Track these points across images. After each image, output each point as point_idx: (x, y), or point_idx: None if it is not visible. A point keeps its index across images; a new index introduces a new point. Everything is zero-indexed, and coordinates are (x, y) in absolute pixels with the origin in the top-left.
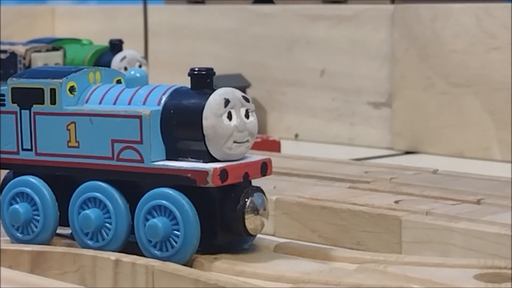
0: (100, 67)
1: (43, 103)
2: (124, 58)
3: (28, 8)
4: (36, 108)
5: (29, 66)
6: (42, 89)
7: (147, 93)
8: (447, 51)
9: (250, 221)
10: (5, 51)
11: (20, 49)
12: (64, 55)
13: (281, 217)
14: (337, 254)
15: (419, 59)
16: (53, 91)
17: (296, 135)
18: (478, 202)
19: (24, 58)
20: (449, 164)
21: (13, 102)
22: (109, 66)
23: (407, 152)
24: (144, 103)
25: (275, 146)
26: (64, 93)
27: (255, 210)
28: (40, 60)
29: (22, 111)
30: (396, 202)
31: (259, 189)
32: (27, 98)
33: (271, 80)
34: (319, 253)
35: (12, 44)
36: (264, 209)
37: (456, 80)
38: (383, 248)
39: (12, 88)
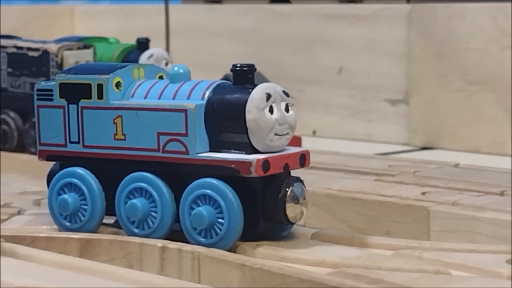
0: (143, 64)
1: (90, 98)
2: (151, 56)
3: (48, 8)
4: (83, 102)
5: (61, 63)
6: (89, 85)
7: (191, 88)
8: (463, 50)
9: (291, 210)
10: (37, 49)
11: (52, 47)
12: (94, 53)
13: (311, 208)
14: (372, 241)
15: (436, 57)
16: (100, 86)
17: (314, 132)
18: (501, 193)
19: (57, 56)
20: (465, 159)
21: (61, 97)
22: None
23: (424, 148)
24: (188, 98)
25: (296, 142)
26: (111, 88)
27: (296, 199)
28: (71, 58)
29: (70, 105)
30: (423, 193)
31: (298, 179)
32: (75, 93)
33: (289, 78)
34: (355, 241)
35: (44, 42)
36: (304, 198)
37: (472, 77)
38: (412, 238)
39: (60, 84)
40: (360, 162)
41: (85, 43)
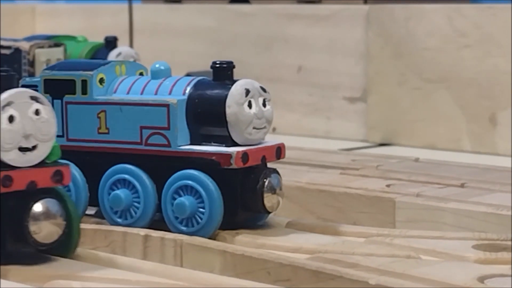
0: (125, 61)
1: (74, 93)
2: (119, 54)
3: (9, 7)
4: (68, 98)
5: (33, 61)
6: (73, 81)
7: (172, 84)
8: (420, 49)
9: (268, 200)
10: (9, 47)
11: (24, 45)
12: (65, 51)
13: None
14: (345, 230)
15: (393, 56)
16: (84, 82)
17: (274, 129)
18: (462, 185)
19: (29, 54)
20: (422, 155)
21: (45, 93)
22: None
23: (381, 144)
24: (170, 93)
25: None
26: (95, 84)
27: (273, 190)
28: (43, 55)
29: (54, 100)
30: (388, 186)
31: (275, 171)
32: (59, 89)
33: (250, 76)
34: (328, 229)
35: (15, 40)
36: (280, 189)
37: (428, 76)
38: (378, 227)
39: (45, 80)
40: (324, 157)
41: (55, 41)
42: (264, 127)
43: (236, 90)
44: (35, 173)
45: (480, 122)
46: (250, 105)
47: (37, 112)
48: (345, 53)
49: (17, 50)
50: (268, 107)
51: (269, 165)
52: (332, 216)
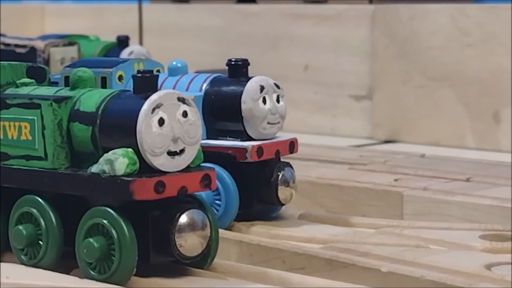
0: (142, 58)
1: None
2: (131, 53)
3: (18, 7)
4: None
5: (48, 59)
6: (93, 78)
7: (189, 80)
8: (424, 48)
9: (282, 192)
10: (24, 46)
11: (39, 44)
12: (79, 50)
13: None
14: (355, 221)
15: (398, 55)
16: (104, 79)
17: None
18: (467, 180)
19: (44, 52)
20: (427, 152)
21: None
22: None
23: (386, 141)
24: (187, 90)
25: None
26: (114, 81)
27: (286, 182)
28: (57, 54)
29: None
30: (395, 180)
31: (289, 165)
32: None
33: (257, 75)
34: (340, 220)
35: (30, 39)
36: (293, 182)
37: (432, 74)
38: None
39: (65, 77)
40: (332, 153)
41: (69, 40)
42: (278, 122)
43: (251, 87)
44: (185, 178)
45: (484, 119)
46: (264, 101)
47: (184, 114)
48: (350, 52)
49: (32, 49)
50: (281, 103)
51: (281, 159)
52: (342, 209)
